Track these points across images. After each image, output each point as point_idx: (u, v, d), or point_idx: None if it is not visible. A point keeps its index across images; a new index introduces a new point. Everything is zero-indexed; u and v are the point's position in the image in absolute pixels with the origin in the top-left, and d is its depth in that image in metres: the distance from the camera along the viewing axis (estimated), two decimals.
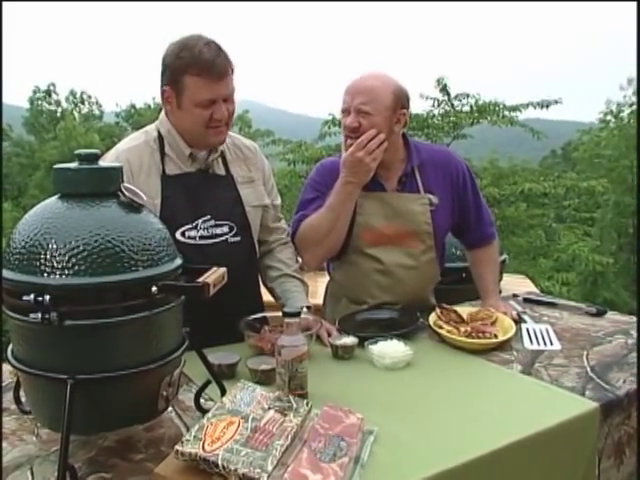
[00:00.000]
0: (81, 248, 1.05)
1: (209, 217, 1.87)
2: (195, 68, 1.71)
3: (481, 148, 16.98)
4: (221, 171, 1.95)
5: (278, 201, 2.16)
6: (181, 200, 1.83)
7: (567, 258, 10.80)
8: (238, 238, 1.92)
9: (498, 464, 1.30)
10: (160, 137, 1.87)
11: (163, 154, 1.85)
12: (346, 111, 2.04)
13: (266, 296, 2.21)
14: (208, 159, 1.90)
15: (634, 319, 2.15)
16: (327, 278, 2.45)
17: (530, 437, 1.34)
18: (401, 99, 2.05)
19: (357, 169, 1.96)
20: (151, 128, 1.91)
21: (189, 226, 1.83)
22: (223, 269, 1.21)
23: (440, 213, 2.16)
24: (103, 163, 1.19)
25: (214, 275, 1.16)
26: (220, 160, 1.95)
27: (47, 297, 1.02)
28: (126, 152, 1.81)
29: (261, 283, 2.14)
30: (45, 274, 1.05)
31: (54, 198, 1.16)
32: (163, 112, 1.91)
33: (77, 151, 1.16)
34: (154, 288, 1.09)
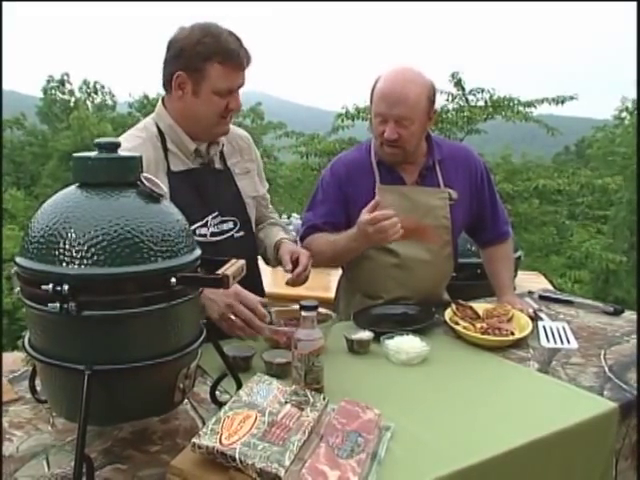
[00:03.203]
0: (100, 238, 1.04)
1: (217, 213, 1.85)
2: (220, 56, 1.68)
3: (494, 144, 16.87)
4: (220, 165, 1.92)
5: (266, 186, 2.16)
6: (189, 197, 1.77)
7: (580, 255, 10.74)
8: (242, 233, 1.91)
9: (515, 463, 1.29)
10: (160, 133, 1.81)
11: (166, 150, 1.79)
12: (381, 118, 2.01)
13: (278, 289, 2.21)
14: (210, 153, 1.88)
15: None
16: (339, 272, 2.44)
17: (548, 436, 1.33)
18: (433, 99, 2.05)
19: (364, 238, 1.88)
20: (149, 123, 1.84)
21: (200, 223, 1.80)
22: (242, 261, 1.20)
23: (458, 209, 2.15)
24: (122, 152, 1.18)
25: (233, 267, 1.15)
26: (218, 154, 1.92)
27: (66, 287, 1.01)
28: (131, 151, 1.76)
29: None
30: (64, 264, 1.04)
31: (73, 187, 1.15)
32: (160, 105, 1.85)
33: (97, 140, 1.15)
34: (173, 279, 1.08)
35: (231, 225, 1.88)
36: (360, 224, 1.84)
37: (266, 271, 2.15)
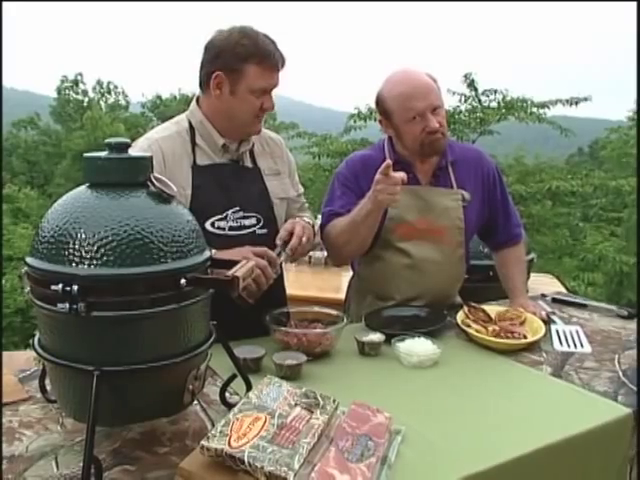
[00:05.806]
0: (110, 238, 1.04)
1: (238, 208, 1.87)
2: (257, 57, 1.75)
3: (507, 145, 16.79)
4: (249, 164, 1.96)
5: (301, 190, 2.17)
6: (212, 190, 1.83)
7: (593, 258, 10.65)
8: (265, 230, 1.91)
9: (527, 468, 1.27)
10: (191, 128, 1.87)
11: (194, 144, 1.85)
12: (418, 117, 2.00)
13: (289, 290, 2.20)
14: (239, 150, 1.91)
15: None
16: (350, 273, 2.42)
17: (560, 442, 1.31)
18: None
19: (374, 198, 1.87)
20: (182, 119, 1.92)
21: (219, 216, 1.83)
22: (252, 262, 1.19)
23: (471, 210, 2.14)
24: (133, 152, 1.18)
25: (243, 268, 1.14)
26: (248, 153, 1.96)
27: (75, 287, 1.01)
28: (159, 141, 1.81)
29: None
30: (73, 264, 1.04)
31: (83, 187, 1.15)
32: (194, 103, 1.92)
33: (107, 140, 1.14)
34: (183, 280, 1.08)
35: (254, 221, 1.90)
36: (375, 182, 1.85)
37: None
